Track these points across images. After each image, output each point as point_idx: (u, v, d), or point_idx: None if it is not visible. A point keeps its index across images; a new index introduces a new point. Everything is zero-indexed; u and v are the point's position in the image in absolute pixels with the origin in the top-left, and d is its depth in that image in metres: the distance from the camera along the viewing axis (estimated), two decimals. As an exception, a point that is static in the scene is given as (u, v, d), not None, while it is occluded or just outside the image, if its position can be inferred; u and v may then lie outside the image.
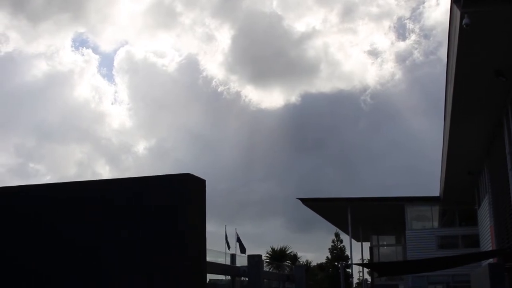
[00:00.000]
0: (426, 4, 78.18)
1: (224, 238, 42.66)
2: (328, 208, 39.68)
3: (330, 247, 61.20)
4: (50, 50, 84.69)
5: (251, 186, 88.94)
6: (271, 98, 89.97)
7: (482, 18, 12.35)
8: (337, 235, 59.91)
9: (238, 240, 42.73)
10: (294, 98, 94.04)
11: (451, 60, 15.53)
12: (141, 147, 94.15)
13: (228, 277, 6.50)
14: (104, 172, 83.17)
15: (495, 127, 20.23)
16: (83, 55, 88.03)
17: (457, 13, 12.42)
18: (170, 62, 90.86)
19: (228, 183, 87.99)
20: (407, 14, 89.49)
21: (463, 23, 12.08)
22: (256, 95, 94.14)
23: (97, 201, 3.14)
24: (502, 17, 12.51)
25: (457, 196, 32.87)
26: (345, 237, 53.95)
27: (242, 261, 6.60)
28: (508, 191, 19.24)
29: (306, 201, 38.36)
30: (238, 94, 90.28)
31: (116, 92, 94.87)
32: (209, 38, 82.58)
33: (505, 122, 18.71)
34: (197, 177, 3.16)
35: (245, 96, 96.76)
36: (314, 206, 39.61)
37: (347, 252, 54.64)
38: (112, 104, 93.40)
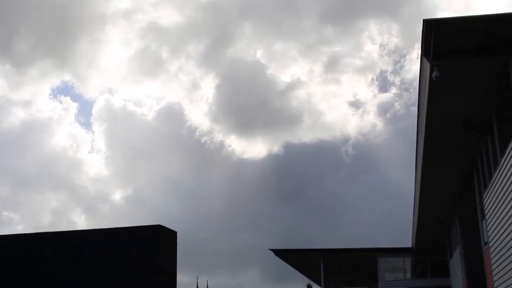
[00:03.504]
0: (407, 57, 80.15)
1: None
2: (301, 260, 39.35)
3: (302, 299, 60.47)
4: (35, 98, 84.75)
5: (229, 236, 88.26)
6: (254, 148, 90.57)
7: (451, 70, 12.58)
8: (309, 286, 59.28)
9: None
10: (276, 148, 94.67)
11: (421, 111, 15.74)
12: (118, 196, 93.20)
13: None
14: (80, 221, 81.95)
15: (465, 178, 20.42)
16: (61, 102, 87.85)
17: (427, 65, 12.64)
18: (153, 110, 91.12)
19: (207, 233, 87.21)
20: (390, 68, 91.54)
21: (433, 76, 12.27)
22: (239, 145, 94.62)
23: (71, 253, 3.04)
24: (471, 69, 12.77)
25: (429, 247, 32.91)
26: (317, 289, 53.37)
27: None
28: (479, 242, 19.29)
29: (279, 253, 38.00)
30: (221, 143, 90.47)
31: (93, 140, 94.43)
32: (194, 86, 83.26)
33: (475, 174, 18.89)
34: (168, 229, 3.09)
35: (229, 146, 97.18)
36: (286, 257, 39.25)
37: (320, 305, 54.01)
38: (89, 152, 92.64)
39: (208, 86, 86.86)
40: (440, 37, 11.71)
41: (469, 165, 19.04)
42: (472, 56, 12.17)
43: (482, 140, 16.49)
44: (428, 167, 19.20)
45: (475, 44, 12.01)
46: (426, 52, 12.29)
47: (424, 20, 11.48)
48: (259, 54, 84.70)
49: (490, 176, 15.90)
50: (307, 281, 54.37)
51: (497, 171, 14.59)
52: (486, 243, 17.66)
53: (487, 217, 16.65)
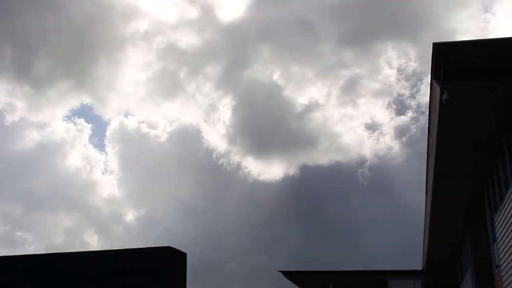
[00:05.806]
0: (424, 81, 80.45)
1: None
2: (311, 281, 39.14)
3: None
4: (52, 119, 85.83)
5: (242, 257, 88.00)
6: (270, 170, 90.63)
7: (461, 93, 12.61)
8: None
9: None
10: (293, 170, 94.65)
11: (432, 134, 15.75)
12: (131, 217, 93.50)
13: None
14: (93, 241, 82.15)
15: (476, 200, 20.34)
16: (75, 124, 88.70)
17: (437, 88, 12.68)
18: (169, 132, 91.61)
19: (219, 254, 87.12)
20: (407, 92, 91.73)
21: (443, 99, 12.30)
22: (255, 167, 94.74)
23: (78, 273, 3.08)
24: (481, 92, 12.80)
25: (439, 270, 32.69)
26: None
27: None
28: (491, 265, 19.16)
29: (288, 274, 37.82)
30: (238, 165, 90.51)
31: (107, 161, 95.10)
32: (211, 108, 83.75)
33: (486, 196, 18.82)
34: (178, 250, 3.12)
35: (245, 168, 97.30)
36: (296, 279, 39.04)
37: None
38: (102, 173, 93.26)
39: (225, 108, 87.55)
40: (450, 60, 11.77)
41: (479, 187, 18.97)
42: (482, 78, 12.22)
43: (493, 162, 16.46)
44: (438, 189, 19.16)
45: (485, 67, 12.06)
46: (436, 75, 12.34)
47: (433, 43, 11.55)
48: (276, 76, 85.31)
49: (501, 199, 15.84)
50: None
51: (508, 193, 14.54)
52: (497, 266, 17.54)
53: (498, 240, 16.55)
